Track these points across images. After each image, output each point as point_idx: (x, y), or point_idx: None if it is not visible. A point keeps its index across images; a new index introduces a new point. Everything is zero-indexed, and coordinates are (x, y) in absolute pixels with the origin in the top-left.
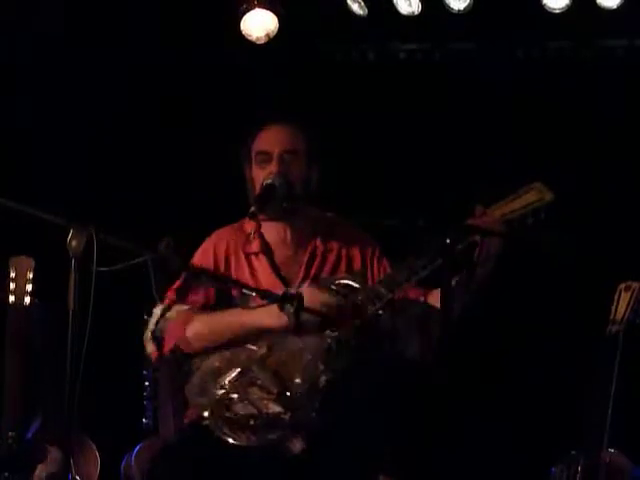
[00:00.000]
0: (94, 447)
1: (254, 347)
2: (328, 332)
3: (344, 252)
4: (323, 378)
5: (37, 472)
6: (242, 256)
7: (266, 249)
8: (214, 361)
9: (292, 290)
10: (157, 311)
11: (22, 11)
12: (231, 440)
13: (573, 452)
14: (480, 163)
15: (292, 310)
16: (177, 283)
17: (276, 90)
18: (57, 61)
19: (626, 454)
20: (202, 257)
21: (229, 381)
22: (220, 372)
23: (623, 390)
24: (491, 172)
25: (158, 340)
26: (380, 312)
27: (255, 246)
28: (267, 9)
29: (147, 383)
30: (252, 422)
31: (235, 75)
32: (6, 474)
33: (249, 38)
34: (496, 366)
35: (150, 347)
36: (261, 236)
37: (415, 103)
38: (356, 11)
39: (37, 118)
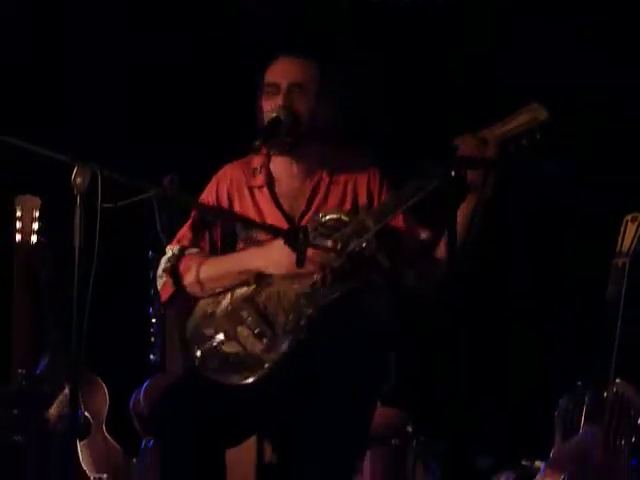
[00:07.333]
0: (102, 384)
1: (244, 285)
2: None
3: (350, 186)
4: (306, 315)
5: (51, 411)
6: (246, 190)
7: (269, 182)
8: (207, 304)
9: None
10: (167, 252)
11: None
12: (219, 378)
13: (579, 383)
14: (489, 101)
15: (298, 244)
16: (187, 223)
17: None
18: None
19: (633, 384)
20: (206, 195)
21: (219, 320)
22: (212, 314)
23: (629, 322)
24: (500, 111)
25: (164, 281)
26: (364, 244)
27: (259, 180)
28: None
29: (154, 320)
30: (237, 360)
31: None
32: (15, 411)
33: None
34: (501, 300)
35: (159, 287)
36: (267, 170)
37: (427, 42)
38: None
39: (41, 51)
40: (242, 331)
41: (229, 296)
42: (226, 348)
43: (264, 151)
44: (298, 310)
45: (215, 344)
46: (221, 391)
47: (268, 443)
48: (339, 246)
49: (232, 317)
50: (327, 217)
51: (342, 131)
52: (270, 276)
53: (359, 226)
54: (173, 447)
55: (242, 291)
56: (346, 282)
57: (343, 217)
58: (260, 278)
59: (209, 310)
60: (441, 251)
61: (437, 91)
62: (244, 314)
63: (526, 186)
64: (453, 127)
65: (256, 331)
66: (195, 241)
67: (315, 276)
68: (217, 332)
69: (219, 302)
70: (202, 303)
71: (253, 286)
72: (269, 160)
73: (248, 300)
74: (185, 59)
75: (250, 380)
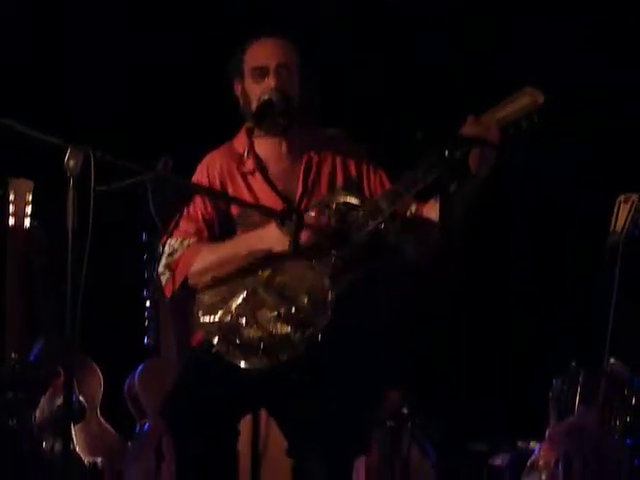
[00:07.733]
0: (97, 367)
1: (258, 270)
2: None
3: (339, 162)
4: (331, 294)
5: (42, 403)
6: (238, 177)
7: (260, 166)
8: (220, 292)
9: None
10: (167, 246)
11: None
12: (242, 364)
13: (573, 364)
14: (480, 73)
15: (291, 227)
16: (182, 214)
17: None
18: None
19: (627, 365)
20: (196, 181)
21: (236, 306)
22: (226, 301)
23: (623, 301)
24: (490, 82)
25: (168, 276)
26: (382, 226)
27: (249, 165)
28: None
29: (148, 303)
30: (262, 344)
31: None
32: (10, 394)
33: None
34: (495, 283)
35: (162, 282)
36: (255, 154)
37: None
38: None
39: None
40: (263, 314)
41: (242, 283)
42: (248, 333)
43: (260, 133)
44: (321, 290)
45: (235, 329)
46: (241, 375)
47: (263, 429)
48: (355, 227)
49: (250, 302)
50: (336, 200)
51: (328, 113)
52: (284, 260)
53: (374, 208)
54: (186, 438)
55: (256, 277)
56: (366, 263)
57: (353, 201)
58: (273, 262)
59: (220, 297)
60: (434, 221)
61: (436, 91)
62: (263, 297)
63: (524, 169)
64: (452, 126)
65: (280, 313)
66: (193, 231)
67: (333, 258)
68: (235, 317)
69: (232, 290)
70: (213, 290)
71: (268, 271)
72: (253, 143)
73: (264, 284)
74: (178, 53)
75: (284, 359)
